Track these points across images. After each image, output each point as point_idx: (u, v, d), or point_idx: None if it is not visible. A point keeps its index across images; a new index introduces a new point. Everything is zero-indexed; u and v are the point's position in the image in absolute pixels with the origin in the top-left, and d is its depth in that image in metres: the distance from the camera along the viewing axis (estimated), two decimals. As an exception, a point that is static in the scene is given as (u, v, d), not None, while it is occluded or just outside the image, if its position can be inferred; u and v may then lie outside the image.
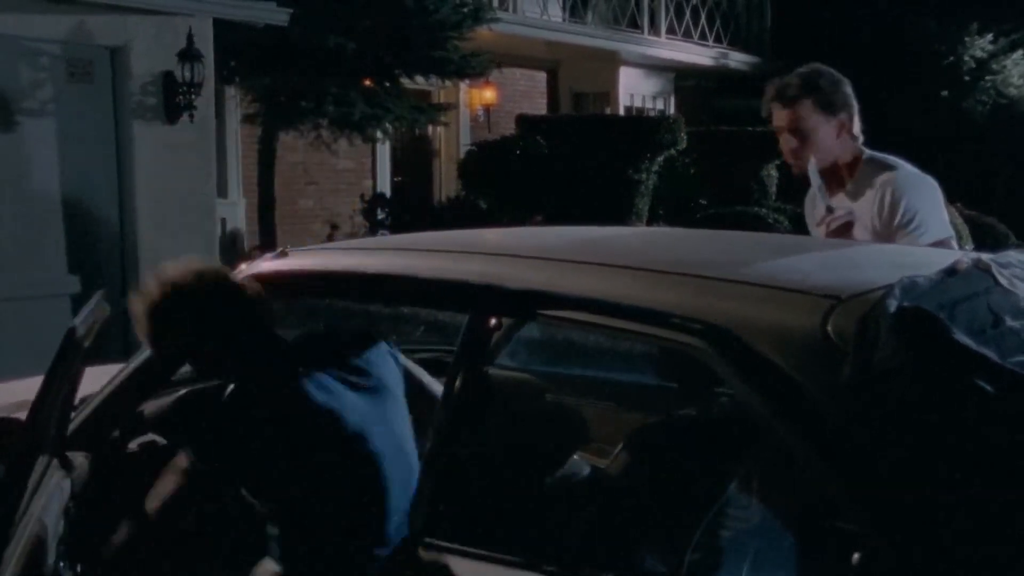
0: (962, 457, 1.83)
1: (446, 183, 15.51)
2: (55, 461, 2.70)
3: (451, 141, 15.84)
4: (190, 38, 8.47)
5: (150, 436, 3.18)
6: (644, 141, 13.17)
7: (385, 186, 14.66)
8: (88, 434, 2.88)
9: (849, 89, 3.53)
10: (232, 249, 11.80)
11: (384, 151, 14.69)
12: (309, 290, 2.95)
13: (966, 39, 18.59)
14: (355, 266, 2.75)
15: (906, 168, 3.51)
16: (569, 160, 12.62)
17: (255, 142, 11.94)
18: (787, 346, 2.01)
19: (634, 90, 18.02)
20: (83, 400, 2.94)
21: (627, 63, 17.62)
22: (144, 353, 2.89)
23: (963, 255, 2.42)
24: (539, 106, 17.24)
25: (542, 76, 17.67)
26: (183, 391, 3.37)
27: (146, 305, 2.64)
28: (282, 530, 2.62)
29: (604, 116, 16.62)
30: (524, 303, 2.38)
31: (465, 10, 11.79)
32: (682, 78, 19.00)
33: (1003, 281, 2.23)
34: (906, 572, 1.83)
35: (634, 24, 17.36)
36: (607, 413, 3.51)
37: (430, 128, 14.84)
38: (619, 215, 12.24)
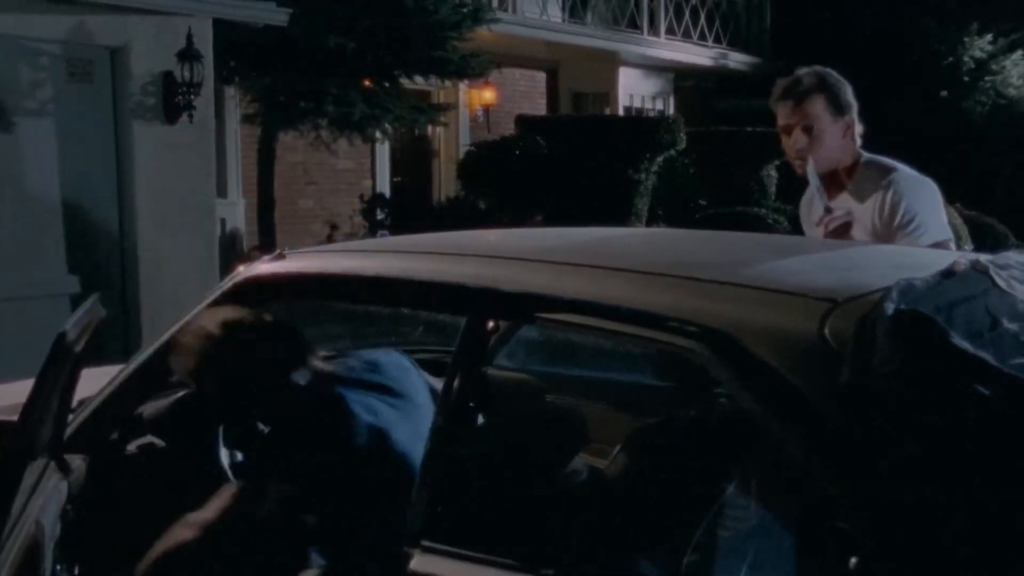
0: (960, 460, 1.83)
1: (445, 183, 15.52)
2: (52, 464, 2.70)
3: (451, 141, 15.84)
4: (190, 38, 8.47)
5: (148, 438, 3.18)
6: (644, 141, 13.18)
7: (384, 186, 14.66)
8: (86, 436, 2.88)
9: (852, 92, 3.55)
10: (231, 249, 11.81)
11: (384, 151, 14.69)
12: (307, 292, 2.95)
13: (966, 39, 18.59)
14: (352, 268, 2.75)
15: (905, 170, 3.52)
16: (568, 160, 12.62)
17: (255, 142, 11.94)
18: (784, 349, 2.01)
19: (633, 90, 18.02)
20: (81, 402, 2.94)
21: (626, 63, 17.62)
22: (142, 355, 2.89)
23: (961, 256, 2.42)
24: (538, 106, 17.25)
25: (541, 76, 17.67)
26: (181, 393, 3.37)
27: (195, 346, 2.73)
28: (326, 543, 2.70)
29: (604, 116, 16.62)
30: (521, 306, 2.38)
31: (465, 10, 11.79)
32: (681, 78, 18.99)
33: (1001, 283, 2.23)
34: (904, 574, 1.83)
35: (633, 24, 17.36)
36: (606, 413, 3.51)
37: (430, 128, 14.84)
38: (618, 215, 12.24)
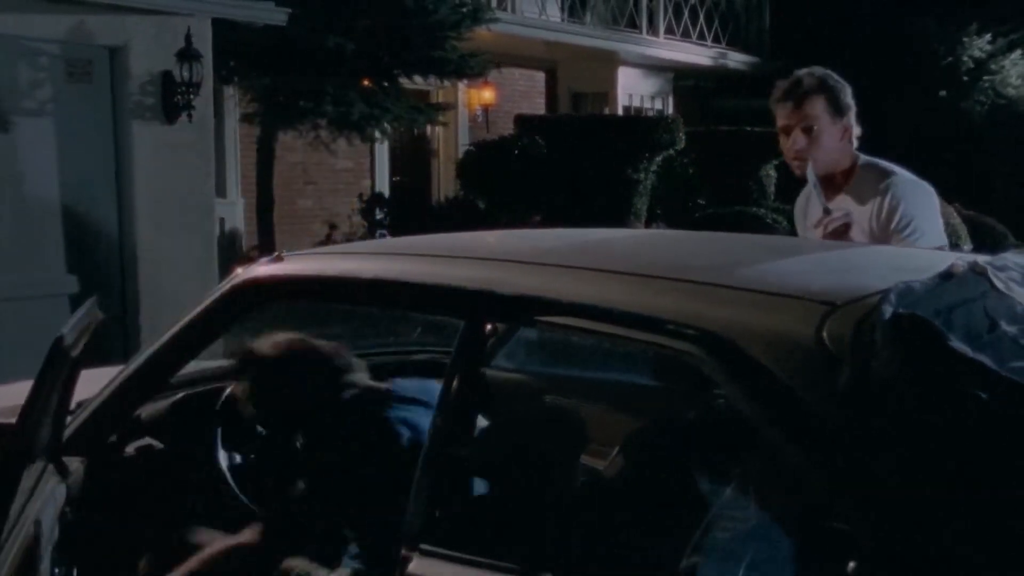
0: (959, 464, 1.83)
1: (444, 183, 15.51)
2: (51, 466, 2.70)
3: (450, 141, 15.84)
4: (189, 38, 8.46)
5: (147, 440, 3.18)
6: (643, 141, 13.19)
7: (384, 186, 14.65)
8: (85, 438, 2.88)
9: (851, 94, 3.54)
10: (231, 249, 11.81)
11: (383, 151, 14.68)
12: (304, 295, 2.95)
13: (964, 39, 18.59)
14: (350, 271, 2.75)
15: (903, 174, 3.52)
16: (568, 160, 12.63)
17: (254, 142, 11.93)
18: (782, 352, 2.00)
19: (632, 90, 18.02)
20: (80, 404, 2.94)
21: (626, 63, 17.61)
22: (140, 356, 2.89)
23: (959, 258, 2.42)
24: (537, 106, 17.24)
25: (540, 76, 17.67)
26: (180, 395, 3.37)
27: (252, 375, 2.94)
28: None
29: (603, 116, 16.62)
30: (519, 309, 2.38)
31: (464, 10, 11.78)
32: (681, 78, 18.99)
33: (999, 285, 2.22)
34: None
35: (632, 24, 17.36)
36: (605, 415, 3.51)
37: (429, 128, 14.82)
38: (618, 215, 12.26)
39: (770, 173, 15.09)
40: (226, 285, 2.84)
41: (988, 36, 18.79)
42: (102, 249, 8.39)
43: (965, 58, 18.62)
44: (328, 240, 12.72)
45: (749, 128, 14.54)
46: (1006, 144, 18.48)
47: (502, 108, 15.92)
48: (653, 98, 18.55)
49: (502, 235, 3.73)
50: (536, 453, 2.76)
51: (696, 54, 18.35)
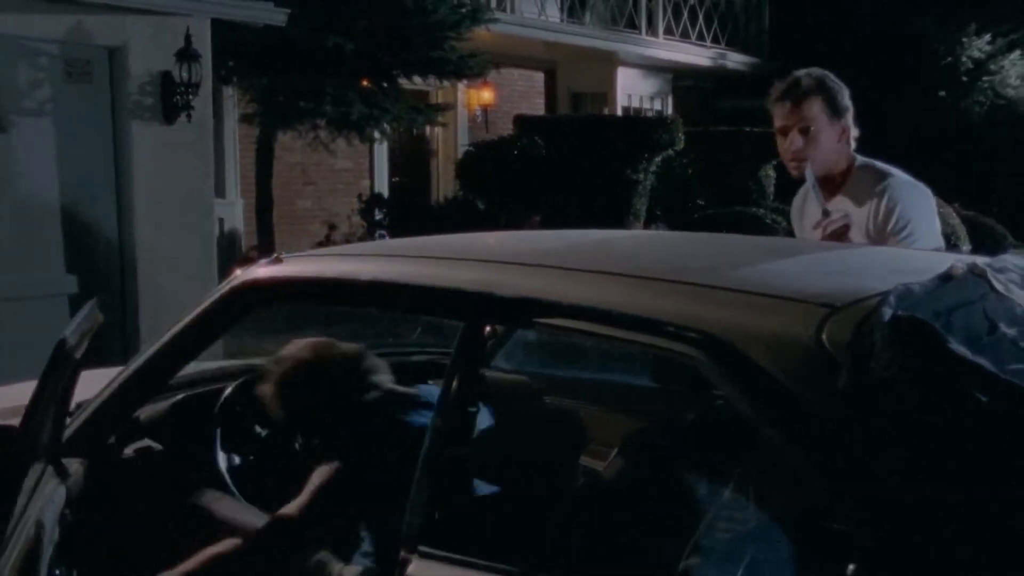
0: (958, 466, 1.83)
1: (444, 183, 15.52)
2: (51, 468, 2.70)
3: (449, 141, 15.84)
4: (188, 38, 8.47)
5: (146, 442, 3.18)
6: (642, 141, 13.20)
7: (383, 186, 14.66)
8: (84, 440, 2.88)
9: (849, 96, 3.55)
10: (230, 249, 11.81)
11: (382, 151, 14.69)
12: (303, 297, 2.95)
13: (964, 39, 18.61)
14: (349, 273, 2.75)
15: (900, 176, 3.52)
16: (567, 160, 12.64)
17: (253, 142, 11.94)
18: (782, 355, 2.00)
19: (632, 90, 18.03)
20: (79, 406, 2.93)
21: (625, 63, 17.62)
22: (140, 358, 2.89)
23: (958, 259, 2.41)
24: (537, 106, 17.25)
25: (540, 76, 17.67)
26: (179, 396, 3.37)
27: (279, 377, 3.02)
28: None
29: (602, 116, 16.64)
30: (518, 311, 2.38)
31: (463, 10, 11.79)
32: (680, 78, 19.00)
33: (999, 287, 2.22)
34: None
35: (632, 24, 17.36)
36: (604, 416, 3.51)
37: (428, 128, 14.83)
38: (617, 215, 12.27)
39: (769, 173, 15.10)
40: (225, 287, 2.83)
41: (987, 36, 18.81)
42: (101, 249, 8.40)
43: (964, 58, 18.63)
44: (327, 240, 12.72)
45: (748, 128, 14.55)
46: (1006, 144, 18.50)
47: (501, 108, 15.92)
48: (652, 98, 18.56)
49: (501, 236, 3.73)
50: (535, 454, 2.76)
51: (695, 54, 18.36)
